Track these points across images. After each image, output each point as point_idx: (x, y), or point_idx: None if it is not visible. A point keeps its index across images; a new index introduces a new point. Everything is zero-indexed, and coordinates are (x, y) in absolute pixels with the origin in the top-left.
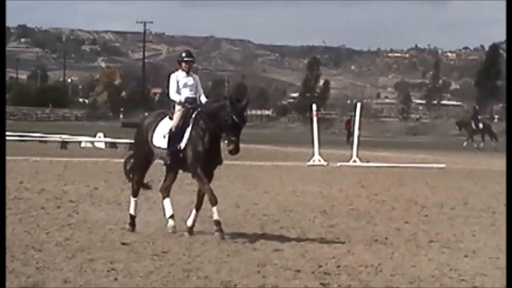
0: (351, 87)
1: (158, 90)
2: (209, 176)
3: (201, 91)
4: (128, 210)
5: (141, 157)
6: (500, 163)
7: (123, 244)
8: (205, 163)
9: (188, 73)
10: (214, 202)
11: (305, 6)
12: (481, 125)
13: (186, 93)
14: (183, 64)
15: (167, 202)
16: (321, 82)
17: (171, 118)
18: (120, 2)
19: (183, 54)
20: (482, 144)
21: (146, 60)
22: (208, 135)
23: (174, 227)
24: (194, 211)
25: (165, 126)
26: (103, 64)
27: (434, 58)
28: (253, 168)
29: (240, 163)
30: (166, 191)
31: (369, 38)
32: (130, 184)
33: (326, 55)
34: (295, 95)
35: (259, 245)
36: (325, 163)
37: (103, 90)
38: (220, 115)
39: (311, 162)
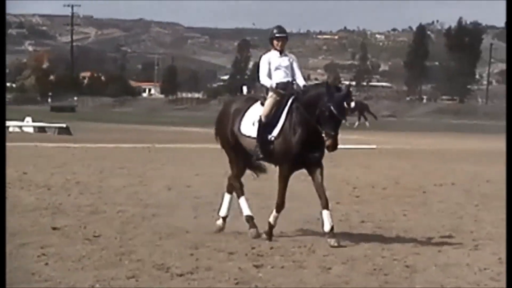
0: None
1: (87, 74)
2: (316, 167)
3: (299, 73)
4: (242, 212)
5: (229, 148)
6: (428, 142)
7: (54, 228)
8: (305, 157)
9: (281, 53)
10: (279, 207)
11: None
12: (352, 104)
13: (279, 76)
14: (275, 42)
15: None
16: (252, 64)
17: (262, 104)
18: None
19: (274, 31)
20: (357, 123)
21: (74, 44)
22: (304, 127)
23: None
24: (324, 211)
25: (255, 112)
26: (30, 48)
27: (363, 40)
28: (185, 151)
29: (172, 146)
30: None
31: (298, 19)
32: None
33: (256, 36)
34: (226, 77)
35: (192, 227)
36: None
37: (30, 74)
38: (317, 105)
39: None
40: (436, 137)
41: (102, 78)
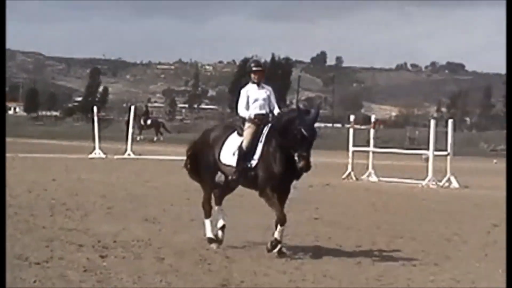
0: (126, 93)
1: None
2: (286, 192)
3: (275, 104)
4: (204, 234)
5: (208, 174)
6: None
7: None
8: (281, 181)
9: (259, 85)
10: (282, 221)
11: (89, 24)
12: (149, 121)
13: (257, 108)
14: (252, 75)
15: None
16: (101, 88)
17: (239, 134)
18: None
19: (252, 65)
20: (155, 138)
21: None
22: (281, 153)
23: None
24: (279, 227)
25: (234, 142)
26: None
27: (195, 70)
28: (43, 159)
29: (33, 156)
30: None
31: (141, 52)
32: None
33: (106, 65)
34: (80, 99)
35: (48, 224)
36: (104, 156)
37: None
38: (289, 129)
39: (92, 155)
40: None
41: None
